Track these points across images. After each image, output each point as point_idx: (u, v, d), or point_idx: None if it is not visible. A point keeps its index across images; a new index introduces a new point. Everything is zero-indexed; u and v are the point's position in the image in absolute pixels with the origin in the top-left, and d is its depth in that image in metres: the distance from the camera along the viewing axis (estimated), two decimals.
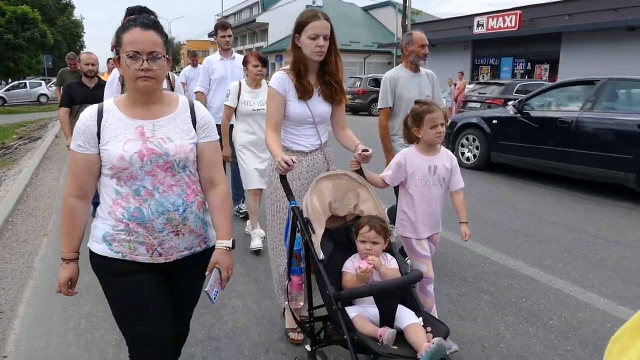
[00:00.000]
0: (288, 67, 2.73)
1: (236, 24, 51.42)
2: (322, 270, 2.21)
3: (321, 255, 2.25)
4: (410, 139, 2.84)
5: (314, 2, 47.50)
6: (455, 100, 15.92)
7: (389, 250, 2.45)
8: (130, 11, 3.14)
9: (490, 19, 24.15)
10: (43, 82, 32.26)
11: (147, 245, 1.80)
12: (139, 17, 1.78)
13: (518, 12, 22.91)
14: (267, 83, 4.08)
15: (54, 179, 7.76)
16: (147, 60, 1.70)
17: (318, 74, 2.74)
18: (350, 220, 2.56)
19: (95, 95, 4.79)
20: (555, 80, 19.74)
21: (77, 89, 5.19)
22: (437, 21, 30.80)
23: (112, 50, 2.65)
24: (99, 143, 1.76)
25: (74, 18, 46.05)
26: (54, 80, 32.11)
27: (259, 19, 46.93)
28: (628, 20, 18.42)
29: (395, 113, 4.08)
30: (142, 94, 1.79)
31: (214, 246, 1.94)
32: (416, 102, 2.87)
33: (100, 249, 1.81)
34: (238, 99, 4.43)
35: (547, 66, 22.64)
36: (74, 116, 5.10)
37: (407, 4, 20.06)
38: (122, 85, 3.69)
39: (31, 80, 32.53)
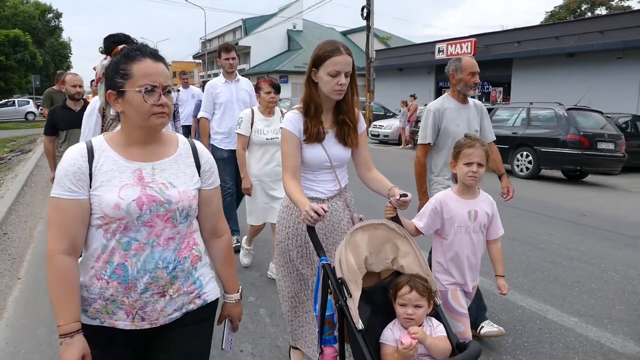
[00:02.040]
0: (300, 104, 2.47)
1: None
2: (362, 343, 1.91)
3: (360, 325, 1.92)
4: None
5: (294, 27, 49.73)
6: (408, 121, 17.74)
7: (435, 313, 2.10)
8: (116, 40, 2.79)
9: (449, 46, 26.19)
10: (31, 100, 33.91)
11: (127, 309, 1.55)
12: (144, 47, 1.60)
13: (473, 39, 24.98)
14: (281, 110, 4.34)
15: (45, 182, 9.29)
16: (163, 94, 1.53)
17: (333, 113, 2.48)
18: (388, 277, 2.22)
19: (80, 119, 4.62)
20: (508, 101, 21.77)
21: (62, 114, 4.84)
22: (403, 47, 32.89)
23: (97, 82, 2.41)
24: (90, 187, 1.52)
25: (61, 40, 47.81)
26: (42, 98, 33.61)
27: (242, 42, 48.97)
28: (566, 48, 20.53)
29: (438, 149, 3.53)
30: (150, 132, 1.59)
31: (211, 302, 1.74)
32: (465, 135, 2.67)
33: None
34: (251, 128, 4.24)
35: (502, 89, 24.69)
36: (61, 142, 4.88)
37: (370, 31, 21.92)
38: (103, 117, 3.19)
39: (19, 99, 34.04)
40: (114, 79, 1.54)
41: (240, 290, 1.86)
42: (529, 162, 10.64)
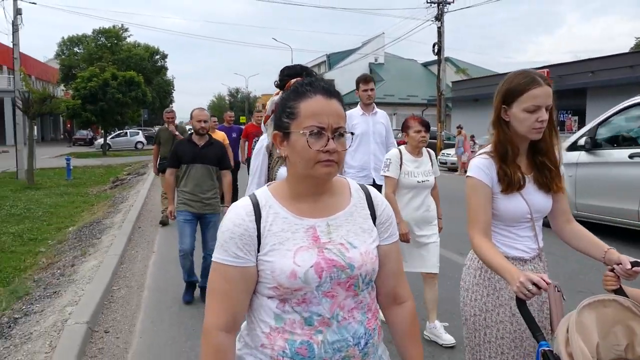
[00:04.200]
0: (489, 147, 2.08)
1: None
2: None
3: None
4: None
5: (376, 60, 51.99)
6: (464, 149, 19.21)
7: None
8: (290, 72, 2.53)
9: None
10: (140, 131, 38.97)
11: None
12: (316, 81, 1.35)
13: (546, 70, 25.59)
14: (427, 150, 4.08)
15: (159, 195, 11.79)
16: (332, 138, 1.27)
17: (528, 156, 2.08)
18: None
19: (204, 154, 4.79)
20: None
21: (186, 148, 4.82)
22: (479, 78, 33.84)
23: (265, 121, 2.22)
24: (258, 251, 1.30)
25: (166, 78, 53.64)
26: (150, 129, 38.37)
27: (326, 76, 51.18)
28: None
29: None
30: (317, 183, 1.34)
31: None
32: None
33: None
34: (400, 169, 3.94)
35: (577, 118, 25.04)
36: (180, 176, 4.82)
37: (440, 66, 23.42)
38: (270, 155, 2.82)
39: (130, 130, 39.10)
40: (280, 117, 1.35)
41: None
42: None
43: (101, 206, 10.96)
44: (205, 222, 4.87)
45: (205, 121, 4.84)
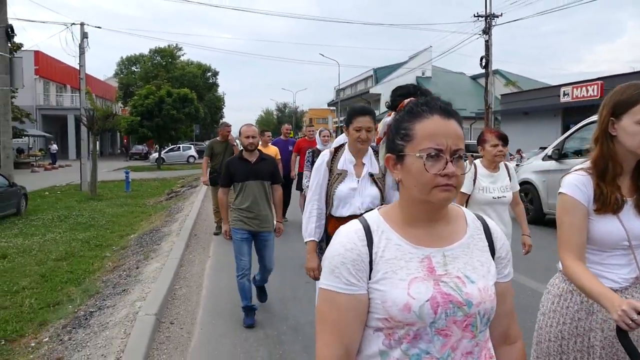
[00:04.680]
0: (588, 163, 1.92)
1: (352, 95, 57.65)
2: None
3: None
4: None
5: (423, 74, 51.96)
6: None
7: None
8: (403, 93, 2.42)
9: (574, 89, 26.40)
10: (192, 146, 40.44)
11: None
12: (433, 100, 1.25)
13: (600, 82, 25.02)
14: (505, 163, 3.88)
15: (212, 206, 12.41)
16: (451, 161, 1.18)
17: (632, 177, 1.90)
18: None
19: (257, 170, 4.67)
20: None
21: (238, 165, 4.69)
22: (528, 91, 33.29)
23: (378, 142, 2.07)
24: (369, 278, 1.21)
25: (217, 94, 55.51)
26: (201, 144, 39.89)
27: (372, 90, 52.33)
28: None
29: None
30: (433, 209, 1.24)
31: None
32: None
33: None
34: (474, 184, 3.76)
35: None
36: (235, 195, 4.70)
37: (488, 79, 23.29)
38: (330, 171, 2.80)
39: (183, 145, 40.67)
40: (394, 140, 1.27)
41: None
42: None
43: (158, 216, 11.64)
44: (261, 240, 4.70)
45: (253, 137, 4.68)
